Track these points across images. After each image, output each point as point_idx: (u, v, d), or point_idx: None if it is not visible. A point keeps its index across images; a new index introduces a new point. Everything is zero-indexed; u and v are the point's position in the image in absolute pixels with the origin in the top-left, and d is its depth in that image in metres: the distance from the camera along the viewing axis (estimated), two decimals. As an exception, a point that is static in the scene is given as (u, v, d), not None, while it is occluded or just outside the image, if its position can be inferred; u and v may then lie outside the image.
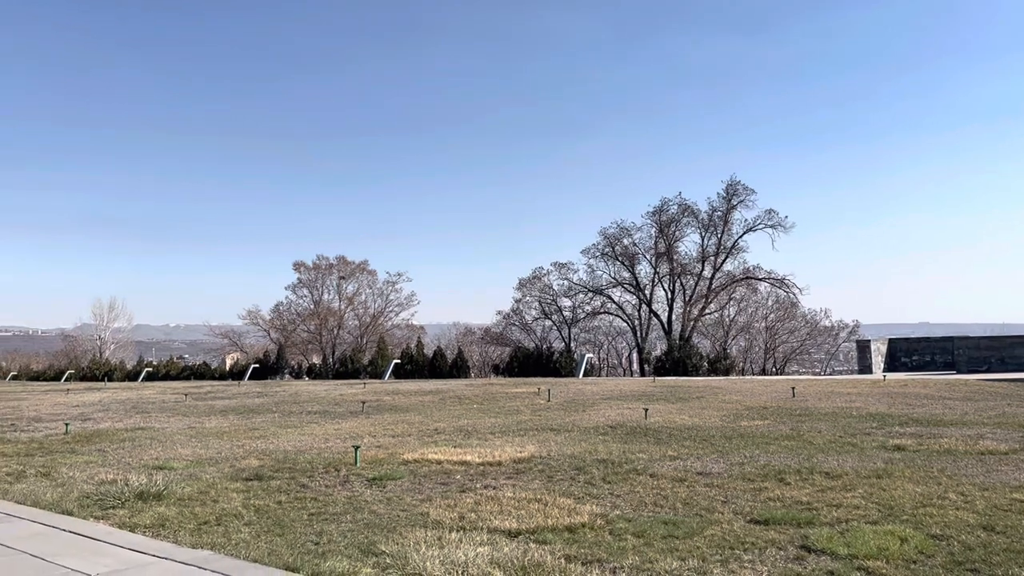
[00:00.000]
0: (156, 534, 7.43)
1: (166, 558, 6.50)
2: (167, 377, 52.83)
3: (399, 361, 46.48)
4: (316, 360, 61.36)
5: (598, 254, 55.57)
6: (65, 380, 53.41)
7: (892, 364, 39.06)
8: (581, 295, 56.69)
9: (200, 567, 6.19)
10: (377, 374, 45.69)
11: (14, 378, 59.98)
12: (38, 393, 34.78)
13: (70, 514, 8.39)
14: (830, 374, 51.25)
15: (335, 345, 65.10)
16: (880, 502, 8.11)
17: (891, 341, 41.21)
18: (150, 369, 56.07)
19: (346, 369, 48.81)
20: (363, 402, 23.73)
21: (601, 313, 57.36)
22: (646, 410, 17.91)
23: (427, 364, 45.32)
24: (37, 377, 59.31)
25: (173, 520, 7.98)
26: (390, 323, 70.10)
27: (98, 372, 55.67)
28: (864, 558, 6.10)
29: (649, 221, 54.37)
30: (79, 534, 7.43)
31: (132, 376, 54.50)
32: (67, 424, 18.06)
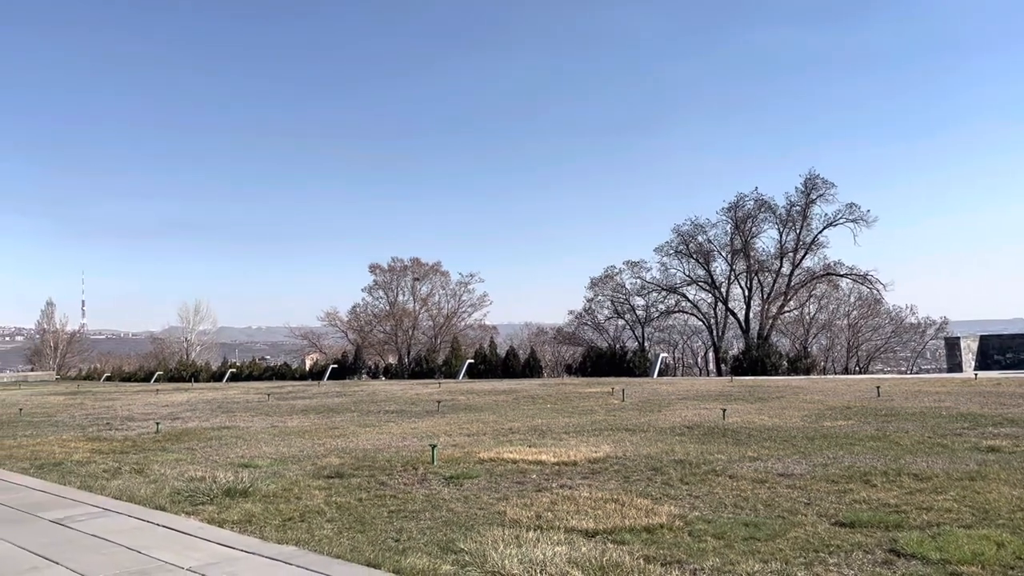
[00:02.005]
0: (243, 530, 7.68)
1: (254, 553, 6.71)
2: (250, 378, 54.52)
3: (473, 361, 46.86)
4: (392, 360, 62.35)
5: (671, 252, 54.92)
6: (154, 381, 55.72)
7: (984, 362, 37.34)
8: (654, 294, 56.12)
9: (286, 562, 6.38)
10: (451, 374, 46.17)
11: (107, 379, 62.83)
12: (130, 393, 36.38)
13: (163, 509, 8.74)
14: (917, 373, 49.33)
15: (410, 345, 66.11)
16: (974, 505, 7.77)
17: (983, 338, 39.40)
18: (234, 370, 57.96)
19: (421, 369, 49.50)
20: (438, 401, 24.01)
21: (675, 312, 56.65)
22: (724, 410, 17.60)
23: (500, 364, 45.56)
24: (128, 378, 62.00)
25: (259, 516, 8.24)
26: (463, 323, 70.87)
27: (185, 373, 57.89)
28: (958, 563, 5.85)
29: (724, 217, 53.45)
30: (171, 528, 7.74)
31: (217, 377, 56.44)
32: (157, 423, 18.84)
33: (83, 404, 28.91)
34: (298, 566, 6.25)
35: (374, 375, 52.52)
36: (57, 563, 6.54)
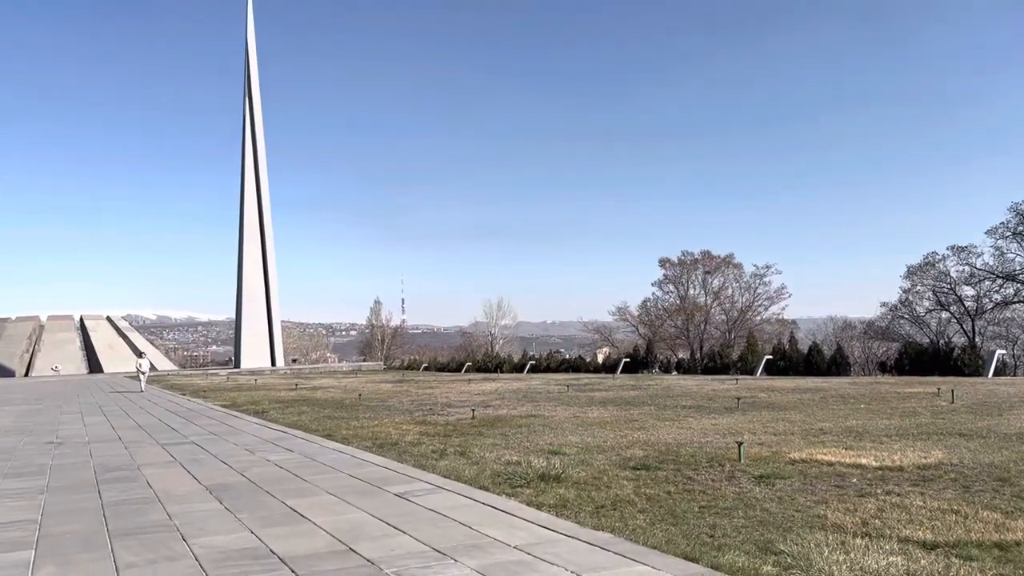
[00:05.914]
0: (559, 513, 8.03)
1: (572, 537, 7.00)
2: (547, 370, 57.06)
3: (771, 357, 44.79)
4: (683, 355, 61.72)
5: (1008, 234, 48.12)
6: (465, 371, 60.49)
7: None
8: (987, 282, 49.56)
9: (604, 548, 6.57)
10: (747, 370, 44.54)
11: (425, 369, 69.40)
12: (445, 382, 39.85)
13: (486, 489, 9.44)
14: None
15: (702, 340, 65.01)
16: None
17: None
18: (533, 362, 61.06)
19: (714, 364, 48.34)
20: (737, 398, 23.30)
21: (1014, 303, 49.54)
22: (1085, 416, 15.05)
23: (802, 360, 43.03)
24: (442, 368, 67.96)
25: (573, 502, 8.57)
26: (759, 317, 68.26)
27: (490, 364, 62.19)
28: None
29: (1077, 190, 45.63)
30: (495, 508, 8.33)
31: (518, 368, 59.83)
32: (473, 410, 20.41)
33: (408, 391, 32.23)
34: (615, 553, 6.41)
35: (665, 369, 52.31)
36: (404, 532, 7.34)
